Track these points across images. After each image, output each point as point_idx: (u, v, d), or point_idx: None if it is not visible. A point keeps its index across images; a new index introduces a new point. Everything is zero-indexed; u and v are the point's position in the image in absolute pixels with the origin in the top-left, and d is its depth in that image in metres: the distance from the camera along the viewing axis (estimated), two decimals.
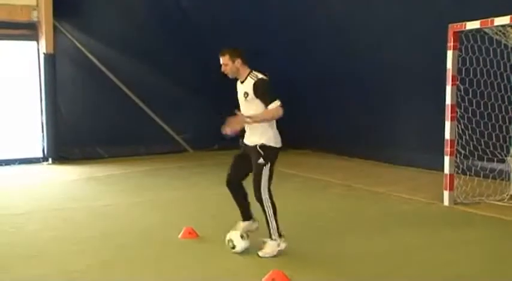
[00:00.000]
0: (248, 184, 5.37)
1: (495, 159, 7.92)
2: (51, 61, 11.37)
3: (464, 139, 7.59)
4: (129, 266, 5.00)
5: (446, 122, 7.20)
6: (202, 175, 10.06)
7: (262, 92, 5.08)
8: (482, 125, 7.88)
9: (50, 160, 11.65)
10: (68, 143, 11.79)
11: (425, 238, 5.84)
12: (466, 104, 7.60)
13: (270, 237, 5.17)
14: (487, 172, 7.94)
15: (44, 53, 11.32)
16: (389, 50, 9.98)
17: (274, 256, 5.11)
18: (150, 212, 7.20)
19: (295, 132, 12.75)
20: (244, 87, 5.19)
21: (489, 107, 7.86)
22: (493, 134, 7.89)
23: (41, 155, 11.76)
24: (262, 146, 5.12)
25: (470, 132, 7.65)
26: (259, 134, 5.15)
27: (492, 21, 6.61)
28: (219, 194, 8.26)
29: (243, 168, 5.35)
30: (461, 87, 7.42)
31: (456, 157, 7.40)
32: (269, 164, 5.13)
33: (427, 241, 5.75)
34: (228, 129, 5.09)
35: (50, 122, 11.55)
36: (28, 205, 7.68)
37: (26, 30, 11.52)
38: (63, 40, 11.72)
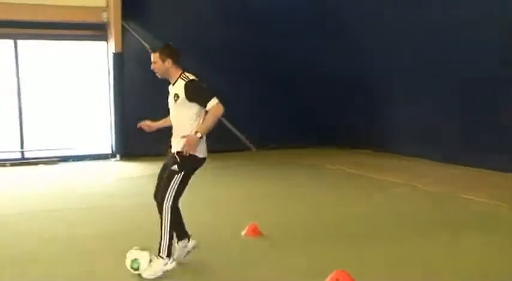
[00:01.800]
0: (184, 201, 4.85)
1: None
2: (119, 60, 11.76)
3: None
4: (195, 263, 5.05)
5: None
6: (266, 174, 10.12)
7: (197, 93, 4.69)
8: None
9: (117, 156, 12.05)
10: (135, 140, 12.11)
11: (497, 242, 5.63)
12: None
13: (158, 254, 4.64)
14: None
15: (113, 53, 11.71)
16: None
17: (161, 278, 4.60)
18: (214, 210, 7.32)
19: (357, 132, 12.71)
20: (175, 89, 4.79)
21: None
22: None
23: (109, 151, 12.20)
24: (179, 153, 4.64)
25: None
26: (181, 141, 4.67)
27: None
28: (283, 192, 8.35)
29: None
30: None
31: None
32: (182, 173, 4.64)
33: (499, 244, 5.55)
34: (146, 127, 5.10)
35: (118, 120, 11.96)
36: (97, 200, 7.97)
37: (96, 31, 11.95)
38: (130, 40, 12.06)
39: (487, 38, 8.90)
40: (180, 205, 4.80)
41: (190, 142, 4.58)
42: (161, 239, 4.65)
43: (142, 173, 10.26)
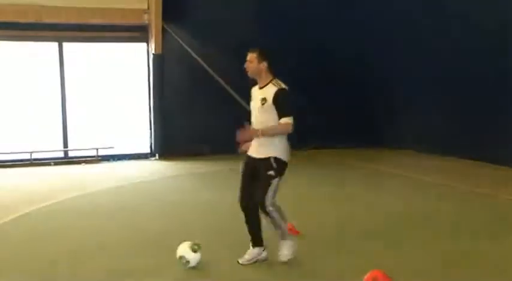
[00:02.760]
0: None
1: None
2: (159, 61, 11.96)
3: None
4: (235, 261, 5.11)
5: None
6: (300, 173, 10.12)
7: (283, 102, 4.81)
8: None
9: (156, 155, 12.26)
10: (173, 139, 12.33)
11: None
12: None
13: (284, 239, 5.05)
14: None
15: (153, 54, 11.92)
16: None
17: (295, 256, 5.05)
18: None
19: (396, 132, 12.61)
20: (263, 93, 4.90)
21: None
22: None
23: (148, 151, 12.43)
24: (276, 159, 4.87)
25: None
26: (273, 146, 4.89)
27: None
28: (318, 192, 8.37)
29: (254, 185, 4.97)
30: None
31: None
32: (278, 178, 4.89)
33: None
34: (243, 148, 5.06)
35: (157, 120, 12.17)
36: (138, 199, 8.16)
37: (137, 32, 12.19)
38: (170, 41, 12.24)
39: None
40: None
41: (247, 133, 4.89)
42: (280, 229, 5.00)
43: (178, 173, 10.42)
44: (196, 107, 12.50)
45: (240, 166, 5.11)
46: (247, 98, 13.77)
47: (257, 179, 4.92)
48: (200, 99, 12.45)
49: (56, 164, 11.61)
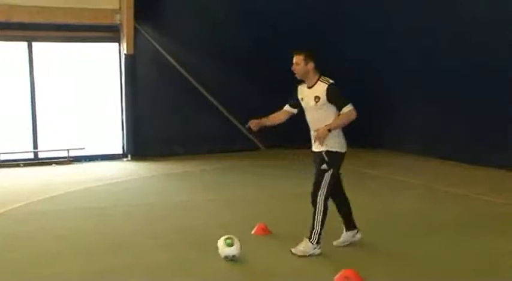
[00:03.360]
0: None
1: None
2: (131, 61, 11.89)
3: None
4: (205, 260, 5.17)
5: None
6: (275, 173, 10.19)
7: (336, 96, 5.09)
8: None
9: (129, 156, 12.18)
10: (146, 140, 12.27)
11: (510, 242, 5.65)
12: None
13: (310, 237, 5.18)
14: None
15: (125, 54, 11.84)
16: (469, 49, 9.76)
17: (308, 256, 5.13)
18: (224, 208, 7.40)
19: (374, 133, 12.71)
20: (314, 92, 5.16)
21: None
22: None
23: (121, 151, 12.34)
24: (327, 152, 5.12)
25: None
26: (325, 140, 5.12)
27: None
28: (291, 192, 8.41)
29: None
30: None
31: None
32: (331, 170, 5.12)
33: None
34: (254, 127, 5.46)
35: (129, 120, 12.09)
36: (110, 200, 8.10)
37: (109, 32, 12.10)
38: (142, 41, 12.19)
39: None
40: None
41: (320, 134, 5.05)
42: (313, 228, 5.14)
43: (151, 174, 10.39)
44: (169, 107, 12.47)
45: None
46: (219, 97, 13.90)
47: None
48: (172, 100, 12.43)
49: (25, 165, 11.44)
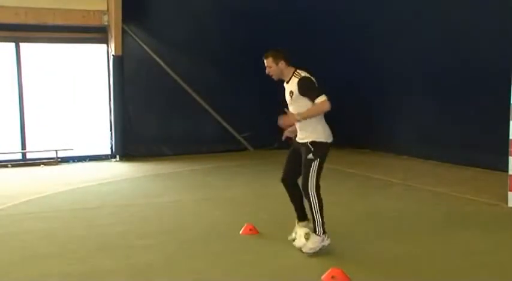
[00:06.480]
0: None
1: None
2: (119, 62, 11.90)
3: None
4: (192, 261, 5.20)
5: (510, 122, 7.04)
6: (263, 173, 10.24)
7: (307, 89, 5.14)
8: None
9: (117, 157, 12.19)
10: (134, 141, 12.29)
11: (488, 240, 5.74)
12: None
13: (315, 231, 5.20)
14: None
15: (113, 55, 11.85)
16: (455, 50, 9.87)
17: (318, 251, 5.16)
18: (213, 209, 7.44)
19: (355, 132, 12.82)
20: (290, 87, 5.27)
21: None
22: None
23: (109, 152, 12.35)
24: (312, 143, 5.18)
25: None
26: (309, 131, 5.21)
27: None
28: (279, 192, 8.45)
29: (297, 166, 5.33)
30: None
31: None
32: (318, 160, 5.17)
33: (490, 243, 5.66)
34: (287, 133, 5.37)
35: (118, 121, 12.10)
36: (98, 200, 8.11)
37: (97, 33, 12.10)
38: (130, 42, 12.21)
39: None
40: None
41: (287, 118, 5.22)
42: (315, 220, 5.19)
43: (140, 174, 10.41)
44: (157, 108, 12.50)
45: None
46: (207, 98, 13.89)
47: (301, 164, 5.23)
48: (160, 100, 12.47)
49: (13, 166, 11.42)
